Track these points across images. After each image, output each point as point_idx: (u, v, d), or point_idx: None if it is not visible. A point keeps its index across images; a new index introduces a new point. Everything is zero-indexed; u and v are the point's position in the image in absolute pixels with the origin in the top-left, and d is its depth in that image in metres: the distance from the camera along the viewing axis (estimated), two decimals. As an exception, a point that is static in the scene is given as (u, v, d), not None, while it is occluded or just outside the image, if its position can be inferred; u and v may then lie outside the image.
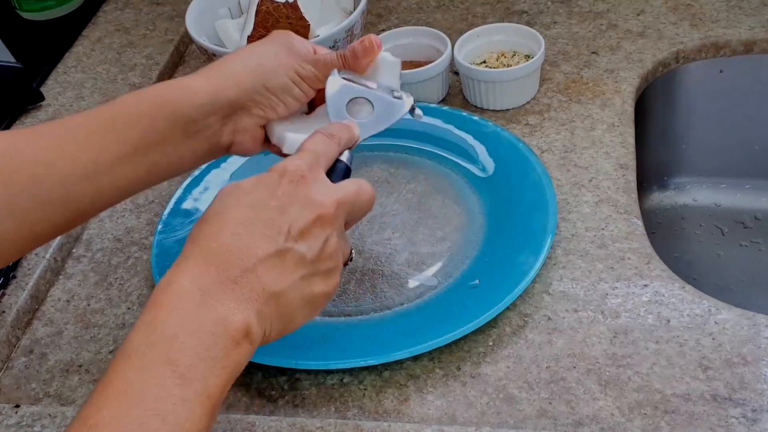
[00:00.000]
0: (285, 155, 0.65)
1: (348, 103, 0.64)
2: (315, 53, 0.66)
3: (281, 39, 0.65)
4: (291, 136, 0.65)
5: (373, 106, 0.64)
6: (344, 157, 0.60)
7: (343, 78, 0.65)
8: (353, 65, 0.65)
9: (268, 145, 0.67)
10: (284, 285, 0.51)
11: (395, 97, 0.65)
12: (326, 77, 0.65)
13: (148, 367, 0.45)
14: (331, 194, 0.54)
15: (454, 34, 0.95)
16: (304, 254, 0.51)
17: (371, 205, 0.58)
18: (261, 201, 0.52)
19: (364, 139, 0.63)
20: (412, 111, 0.65)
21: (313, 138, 0.58)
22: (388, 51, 0.94)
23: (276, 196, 0.52)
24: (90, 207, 0.59)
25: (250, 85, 0.62)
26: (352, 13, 0.92)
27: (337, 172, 0.59)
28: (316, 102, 0.68)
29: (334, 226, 0.54)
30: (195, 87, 0.61)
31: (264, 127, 0.65)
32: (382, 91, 0.65)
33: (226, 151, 0.65)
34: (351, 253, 0.59)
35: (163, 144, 0.60)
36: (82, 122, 0.59)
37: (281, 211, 0.51)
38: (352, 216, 0.57)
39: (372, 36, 0.66)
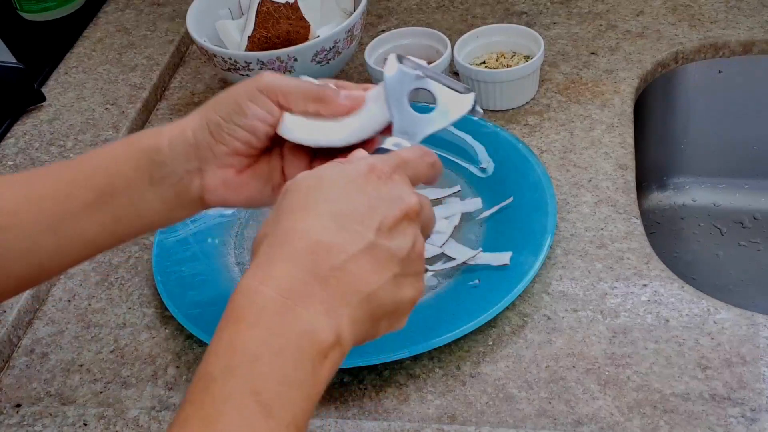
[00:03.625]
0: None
1: (408, 93, 0.57)
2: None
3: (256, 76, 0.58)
4: (288, 116, 0.56)
5: (435, 99, 0.57)
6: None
7: (401, 62, 0.58)
8: (328, 105, 0.57)
9: (253, 194, 0.58)
10: (376, 284, 0.45)
11: (459, 91, 0.58)
12: (288, 91, 0.56)
13: (230, 398, 0.40)
14: (416, 194, 0.49)
15: (453, 35, 0.95)
16: (394, 252, 0.46)
17: (433, 224, 0.53)
18: (349, 195, 0.47)
19: (425, 137, 0.56)
20: (473, 108, 0.58)
21: (409, 149, 0.53)
22: (389, 52, 0.94)
23: (365, 191, 0.47)
24: (53, 261, 0.56)
25: (204, 120, 0.56)
26: (352, 13, 0.93)
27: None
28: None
29: (419, 225, 0.49)
30: (162, 130, 0.57)
31: (243, 174, 0.57)
32: (444, 82, 0.58)
33: (201, 203, 0.58)
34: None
35: (128, 190, 0.56)
36: (52, 171, 0.56)
37: (371, 206, 0.47)
38: (422, 228, 0.51)
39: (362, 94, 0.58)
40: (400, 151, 0.52)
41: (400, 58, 0.58)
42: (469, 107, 0.58)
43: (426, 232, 0.51)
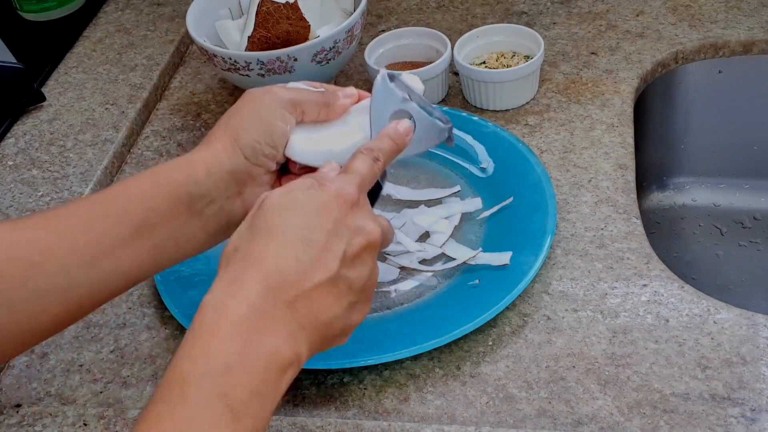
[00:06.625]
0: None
1: (392, 113, 0.60)
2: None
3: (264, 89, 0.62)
4: (294, 138, 0.60)
5: (414, 124, 0.60)
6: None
7: (390, 81, 0.60)
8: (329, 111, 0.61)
9: None
10: (333, 313, 0.50)
11: (438, 119, 0.61)
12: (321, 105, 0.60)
13: (202, 402, 0.44)
14: (377, 222, 0.53)
15: (453, 35, 0.95)
16: (354, 282, 0.51)
17: (391, 241, 0.57)
18: (318, 223, 0.50)
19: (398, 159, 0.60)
20: (448, 137, 0.62)
21: (359, 159, 0.55)
22: (389, 52, 0.94)
23: (332, 219, 0.50)
24: (91, 296, 0.56)
25: (237, 144, 0.58)
26: (352, 13, 0.93)
27: (371, 190, 0.57)
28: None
29: (377, 255, 0.53)
30: (193, 160, 0.58)
31: (275, 187, 0.60)
32: (425, 109, 0.61)
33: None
34: None
35: (166, 224, 0.57)
36: (82, 207, 0.57)
37: (338, 236, 0.50)
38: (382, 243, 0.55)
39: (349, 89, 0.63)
40: (356, 167, 0.54)
41: (392, 77, 0.60)
42: (444, 138, 0.61)
43: (385, 246, 0.55)
